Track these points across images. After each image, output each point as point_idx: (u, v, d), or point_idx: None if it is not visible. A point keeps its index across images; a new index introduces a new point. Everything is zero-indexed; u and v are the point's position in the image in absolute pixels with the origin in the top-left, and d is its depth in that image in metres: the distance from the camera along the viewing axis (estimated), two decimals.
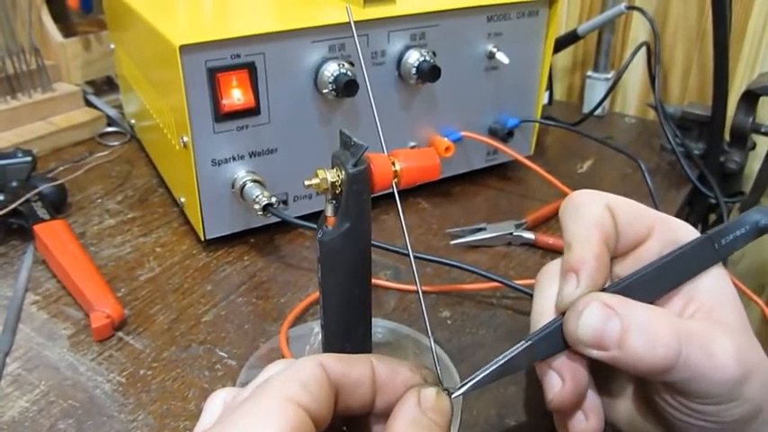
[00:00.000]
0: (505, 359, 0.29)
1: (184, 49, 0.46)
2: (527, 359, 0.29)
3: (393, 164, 0.33)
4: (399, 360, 0.28)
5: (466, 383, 0.28)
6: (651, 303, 0.30)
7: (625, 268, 0.32)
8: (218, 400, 0.26)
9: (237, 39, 0.48)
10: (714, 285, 0.30)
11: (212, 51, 0.48)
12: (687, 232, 0.32)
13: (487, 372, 0.28)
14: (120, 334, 0.46)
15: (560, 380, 0.29)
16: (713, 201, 0.69)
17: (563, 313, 0.30)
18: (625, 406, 0.32)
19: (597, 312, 0.28)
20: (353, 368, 0.26)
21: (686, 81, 0.85)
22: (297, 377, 0.24)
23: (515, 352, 0.29)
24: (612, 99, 0.90)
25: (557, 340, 0.30)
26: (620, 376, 0.33)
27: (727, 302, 0.30)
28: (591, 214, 0.31)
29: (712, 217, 0.77)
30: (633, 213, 0.31)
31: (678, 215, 0.67)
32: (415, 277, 0.32)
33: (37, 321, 0.48)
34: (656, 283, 0.30)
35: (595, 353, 0.28)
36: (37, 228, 0.53)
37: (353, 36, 0.32)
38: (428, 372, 0.28)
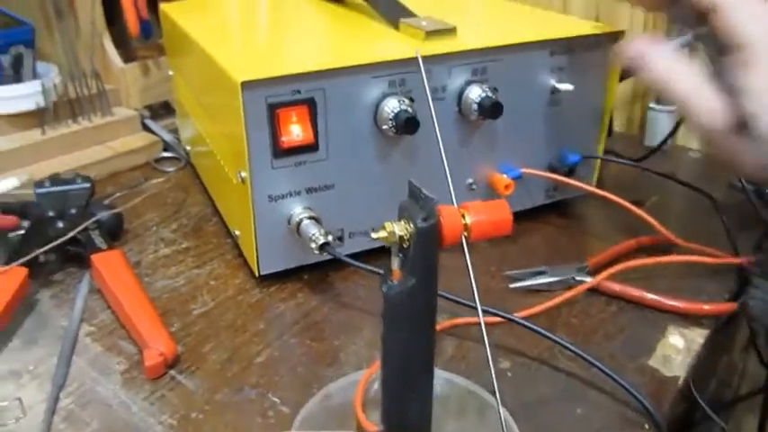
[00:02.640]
0: None
1: (246, 85, 0.46)
2: None
3: (463, 217, 0.32)
4: None
5: None
6: None
7: None
8: None
9: (298, 75, 0.48)
10: None
11: (273, 87, 0.47)
12: None
13: None
14: (172, 372, 0.45)
15: None
16: None
17: None
18: None
19: None
20: None
21: None
22: None
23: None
24: (675, 131, 0.87)
25: None
26: None
27: None
28: None
29: None
30: None
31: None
32: (484, 338, 0.30)
33: (91, 354, 0.48)
34: None
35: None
36: (94, 258, 0.53)
37: (423, 80, 0.31)
38: None
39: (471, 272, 0.30)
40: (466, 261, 0.31)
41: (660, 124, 0.81)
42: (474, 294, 0.30)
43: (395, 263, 0.31)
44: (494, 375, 0.29)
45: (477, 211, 0.32)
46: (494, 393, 0.29)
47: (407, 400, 0.34)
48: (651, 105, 0.83)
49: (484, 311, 0.47)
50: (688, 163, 0.81)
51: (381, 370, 0.34)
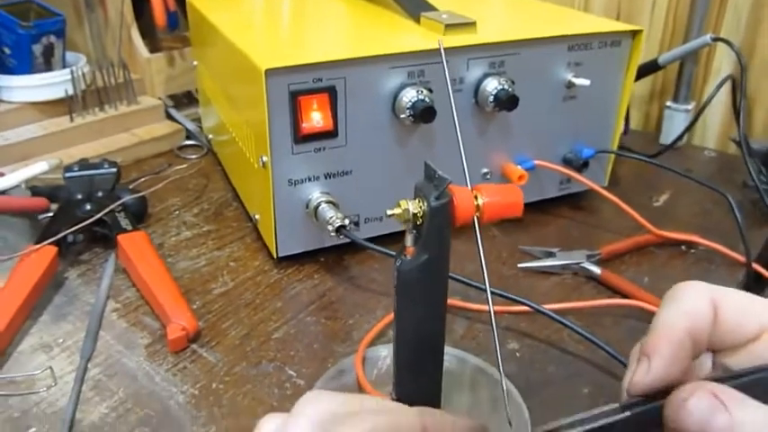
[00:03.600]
0: (596, 424, 0.27)
1: (270, 72, 0.48)
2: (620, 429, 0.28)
3: (476, 198, 0.33)
4: (453, 420, 0.28)
5: None
6: None
7: (738, 362, 0.30)
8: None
9: (320, 64, 0.49)
10: None
11: (296, 75, 0.49)
12: None
13: None
14: (194, 346, 0.47)
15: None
16: None
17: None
18: None
19: (705, 402, 0.26)
20: None
21: None
22: None
23: (611, 419, 0.27)
24: (691, 131, 0.87)
25: (653, 416, 0.27)
26: None
27: None
28: (686, 304, 0.29)
29: None
30: (741, 310, 0.29)
31: (761, 256, 0.64)
32: (491, 315, 0.32)
33: (117, 329, 0.50)
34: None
35: None
36: (120, 238, 0.55)
37: (444, 69, 0.32)
38: None
39: (482, 251, 0.31)
40: (477, 241, 0.32)
41: (676, 122, 0.81)
42: (483, 271, 0.32)
43: (409, 240, 0.33)
44: (497, 342, 0.30)
45: (489, 193, 0.34)
46: (499, 369, 0.30)
47: (418, 373, 0.35)
48: (668, 104, 0.84)
49: (492, 293, 0.48)
50: (703, 162, 0.81)
51: (394, 344, 0.36)
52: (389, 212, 0.32)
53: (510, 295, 0.49)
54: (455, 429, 0.27)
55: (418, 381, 0.36)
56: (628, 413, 0.27)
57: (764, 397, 0.26)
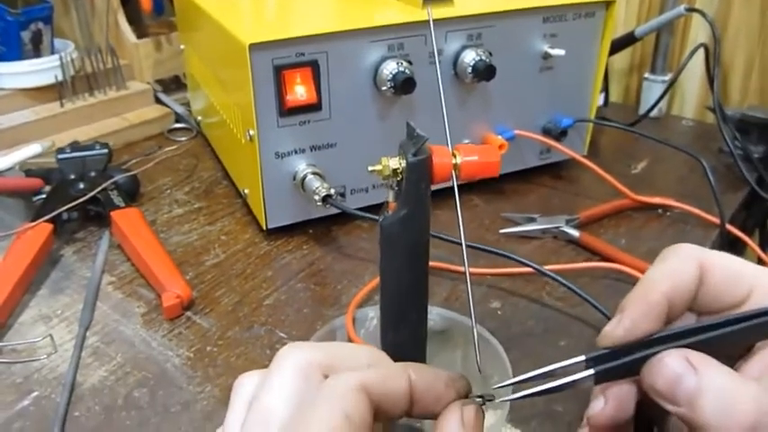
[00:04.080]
0: (559, 383, 0.28)
1: (253, 47, 0.49)
2: (585, 384, 0.29)
3: (454, 156, 0.35)
4: (436, 371, 0.29)
5: (506, 391, 0.29)
6: (732, 357, 0.28)
7: None
8: (246, 391, 0.27)
9: (303, 38, 0.51)
10: None
11: (279, 50, 0.50)
12: None
13: (535, 390, 0.28)
14: (188, 313, 0.49)
15: (603, 402, 0.29)
16: None
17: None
18: None
19: (676, 364, 0.27)
20: (392, 386, 0.26)
21: (747, 84, 0.83)
22: (341, 409, 0.24)
23: (574, 378, 0.28)
24: (670, 102, 0.89)
25: (622, 373, 0.29)
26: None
27: None
28: (671, 266, 0.30)
29: None
30: (730, 275, 0.30)
31: (735, 218, 0.67)
32: (464, 261, 0.34)
33: (113, 300, 0.51)
34: (745, 338, 0.29)
35: (664, 403, 0.27)
36: (114, 214, 0.57)
37: (431, 35, 0.34)
38: (462, 383, 0.29)
39: (459, 206, 0.33)
40: (455, 199, 0.34)
41: (654, 93, 0.83)
42: (459, 227, 0.33)
43: (390, 195, 0.35)
44: (470, 293, 0.32)
45: (467, 152, 0.35)
46: (472, 317, 0.31)
47: (403, 324, 0.37)
48: (646, 75, 0.86)
49: (467, 246, 0.50)
50: (681, 131, 0.83)
51: (380, 296, 0.37)
52: (371, 168, 0.34)
53: (485, 247, 0.51)
54: (437, 378, 0.28)
55: (403, 331, 0.38)
56: (591, 371, 0.28)
57: (724, 349, 0.28)
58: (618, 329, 0.28)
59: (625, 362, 0.28)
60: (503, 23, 0.58)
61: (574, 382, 0.28)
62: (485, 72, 0.56)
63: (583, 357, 0.29)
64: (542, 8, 0.60)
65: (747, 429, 0.25)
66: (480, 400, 0.28)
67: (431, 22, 0.34)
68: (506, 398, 0.29)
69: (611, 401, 0.29)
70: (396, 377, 0.27)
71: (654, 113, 0.82)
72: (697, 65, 0.78)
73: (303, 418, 0.24)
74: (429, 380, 0.28)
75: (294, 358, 0.26)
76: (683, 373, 0.26)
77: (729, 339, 0.28)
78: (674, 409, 0.27)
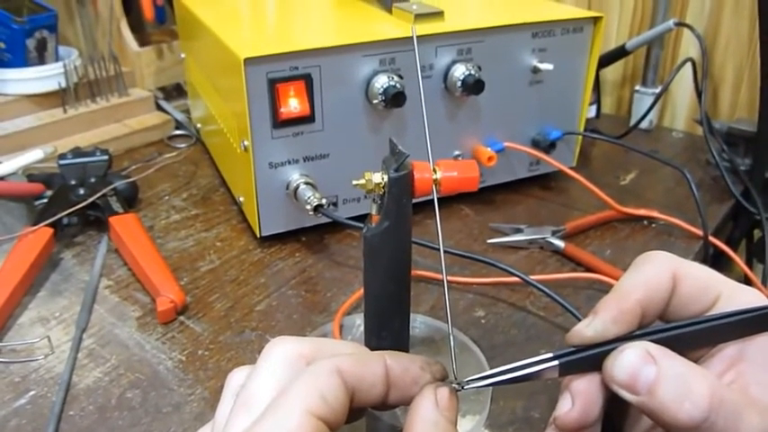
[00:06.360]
0: (526, 372, 0.29)
1: (248, 61, 0.51)
2: (550, 375, 0.30)
3: (435, 171, 0.37)
4: (411, 356, 0.30)
5: (478, 380, 0.30)
6: (696, 354, 0.29)
7: None
8: (236, 384, 0.28)
9: (296, 52, 0.53)
10: (762, 361, 0.29)
11: (273, 63, 0.52)
12: (755, 302, 0.30)
13: (504, 377, 0.30)
14: (182, 318, 0.51)
15: (571, 403, 0.30)
16: (757, 217, 0.69)
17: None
18: None
19: (637, 355, 0.28)
20: (368, 369, 0.27)
21: (737, 97, 0.85)
22: (316, 389, 0.25)
23: (540, 368, 0.29)
24: (661, 114, 0.91)
25: (585, 367, 0.30)
26: (639, 422, 0.32)
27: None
28: (646, 274, 0.30)
29: (757, 233, 0.76)
30: (700, 284, 0.30)
31: (721, 230, 0.68)
32: (442, 266, 0.35)
33: (110, 303, 0.53)
34: (706, 339, 0.30)
35: (625, 393, 0.28)
36: (112, 219, 0.59)
37: (414, 52, 0.35)
38: (438, 367, 0.30)
39: (438, 218, 0.35)
40: (435, 211, 0.35)
41: (645, 105, 0.85)
42: (438, 232, 0.35)
43: (374, 209, 0.36)
44: (446, 296, 0.33)
45: (447, 168, 0.37)
46: (449, 323, 0.33)
47: (386, 330, 0.39)
48: (636, 88, 0.87)
49: (446, 251, 0.51)
50: (671, 142, 0.85)
51: (364, 307, 0.39)
52: (355, 182, 0.36)
53: (471, 255, 0.52)
54: (412, 361, 0.29)
55: (386, 338, 0.39)
56: (556, 362, 0.30)
57: (689, 346, 0.30)
58: (587, 330, 0.29)
59: (589, 355, 0.29)
60: (492, 39, 0.60)
61: (540, 371, 0.29)
62: (474, 86, 0.58)
63: (551, 354, 0.30)
64: (531, 24, 0.61)
65: (703, 412, 0.26)
66: (455, 387, 0.29)
67: (414, 40, 0.36)
68: (476, 385, 0.30)
69: (577, 403, 0.29)
70: (371, 362, 0.28)
71: (645, 125, 0.84)
72: (688, 77, 0.79)
73: (281, 399, 0.25)
74: (405, 363, 0.29)
75: (281, 349, 0.27)
76: (644, 363, 0.27)
77: (690, 339, 0.29)
78: (634, 398, 0.28)
